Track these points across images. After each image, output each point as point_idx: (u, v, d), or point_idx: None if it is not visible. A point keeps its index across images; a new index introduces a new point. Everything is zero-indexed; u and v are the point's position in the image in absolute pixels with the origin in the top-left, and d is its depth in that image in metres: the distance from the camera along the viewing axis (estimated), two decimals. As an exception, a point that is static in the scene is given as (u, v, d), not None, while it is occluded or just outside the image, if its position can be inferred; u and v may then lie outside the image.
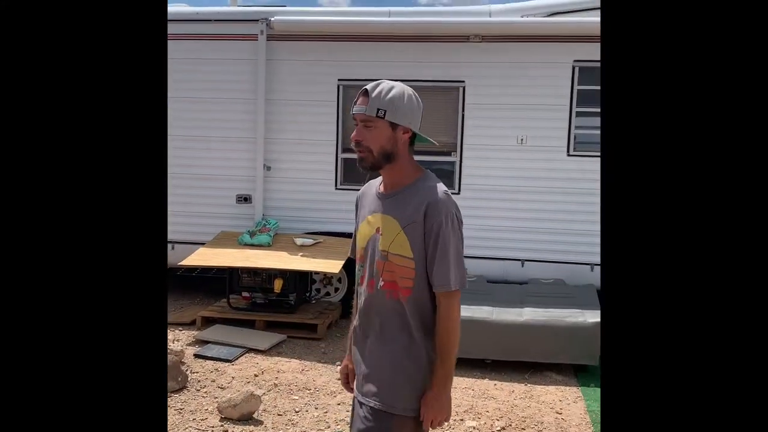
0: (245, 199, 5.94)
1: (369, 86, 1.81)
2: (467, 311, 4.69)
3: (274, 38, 5.72)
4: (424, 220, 1.80)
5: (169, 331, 5.14)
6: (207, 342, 4.83)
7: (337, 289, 5.95)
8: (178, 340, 4.90)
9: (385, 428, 1.83)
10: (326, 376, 4.37)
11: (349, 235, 6.07)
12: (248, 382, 4.16)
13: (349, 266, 5.75)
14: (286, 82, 5.76)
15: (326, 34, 5.70)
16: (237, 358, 4.57)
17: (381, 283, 1.85)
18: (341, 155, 5.75)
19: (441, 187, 1.84)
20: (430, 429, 1.86)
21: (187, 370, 4.23)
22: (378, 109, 1.78)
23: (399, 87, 1.83)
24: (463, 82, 5.59)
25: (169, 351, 4.24)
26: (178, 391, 3.92)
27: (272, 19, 5.64)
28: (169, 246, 5.87)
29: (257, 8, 5.91)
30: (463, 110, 5.62)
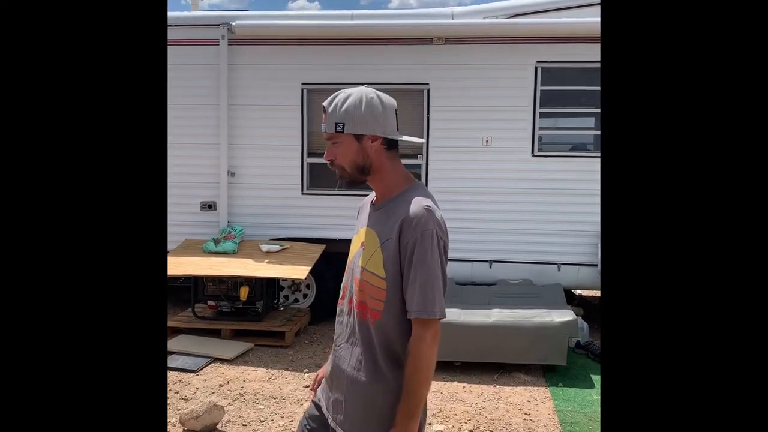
0: (209, 206, 5.84)
1: (325, 102, 1.70)
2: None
3: (235, 42, 5.64)
4: (398, 237, 1.63)
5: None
6: (172, 353, 4.72)
7: (305, 296, 5.88)
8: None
9: None
10: (293, 383, 4.30)
11: (316, 241, 6.00)
12: (213, 393, 4.07)
13: (317, 272, 5.71)
14: (249, 87, 5.69)
15: (289, 38, 5.64)
16: (202, 369, 4.48)
17: (354, 300, 1.73)
18: (307, 160, 5.69)
19: (423, 201, 1.65)
20: None
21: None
22: (336, 124, 1.66)
23: (356, 94, 1.68)
24: (428, 84, 5.58)
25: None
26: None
27: (233, 23, 5.57)
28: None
29: (218, 13, 5.84)
30: (428, 113, 5.61)
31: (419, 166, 5.64)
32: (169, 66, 6.11)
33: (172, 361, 4.55)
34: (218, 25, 5.62)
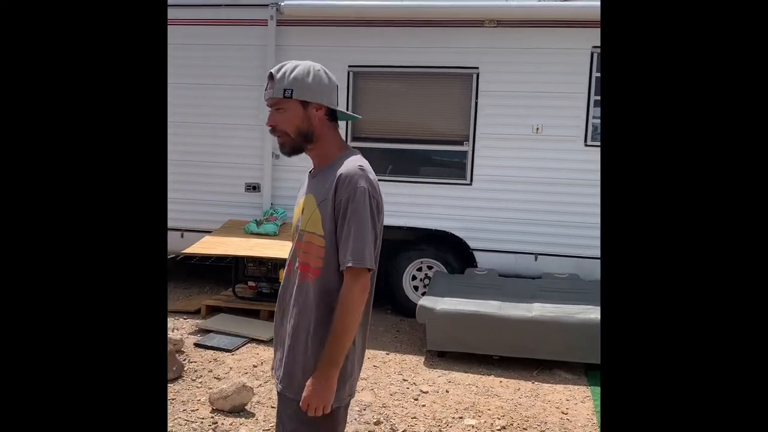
0: (254, 188, 5.86)
1: (273, 69, 1.77)
2: (474, 305, 4.54)
3: (283, 23, 5.60)
4: (333, 196, 1.72)
5: (173, 319, 5.10)
6: (209, 331, 4.76)
7: (345, 280, 5.83)
8: (178, 329, 4.84)
9: (287, 416, 1.82)
10: (327, 368, 4.27)
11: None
12: (245, 373, 4.08)
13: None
14: (295, 69, 5.65)
15: (337, 19, 5.56)
16: (237, 348, 4.50)
17: (297, 264, 1.82)
18: (350, 143, 5.62)
19: (356, 160, 1.76)
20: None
21: (184, 360, 4.17)
22: (285, 90, 1.74)
23: (304, 65, 1.77)
24: (477, 68, 5.41)
25: (168, 340, 4.18)
26: (173, 380, 3.85)
27: (282, 3, 5.53)
28: (178, 234, 5.85)
29: (267, -7, 5.80)
30: (476, 98, 5.44)
31: (465, 153, 5.49)
32: (217, 46, 6.14)
33: (209, 340, 4.59)
34: (267, 5, 5.59)
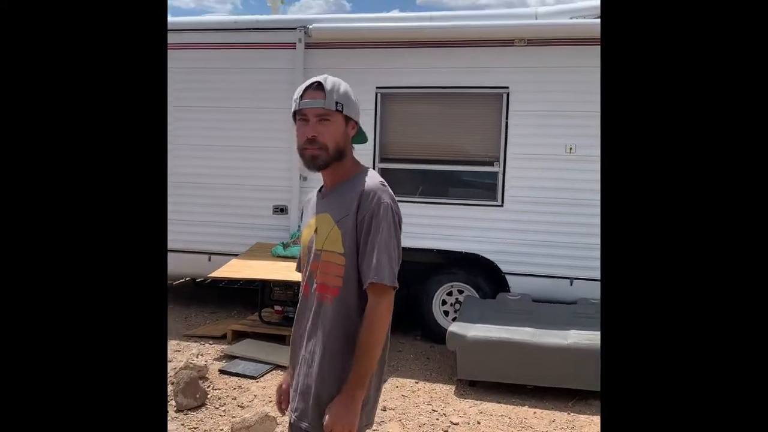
0: (281, 210, 5.81)
1: (319, 78, 1.73)
2: (506, 332, 4.37)
3: (311, 46, 5.59)
4: (356, 212, 1.67)
5: (198, 344, 5.03)
6: (234, 357, 4.68)
7: (374, 305, 5.71)
8: (203, 354, 4.77)
9: None
10: (353, 397, 4.13)
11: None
12: (270, 402, 3.97)
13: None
14: (322, 91, 5.62)
15: (365, 41, 5.53)
16: (262, 375, 4.40)
17: (314, 286, 1.76)
18: (378, 165, 5.53)
19: (377, 177, 1.74)
20: None
21: (208, 387, 4.08)
22: (337, 103, 1.70)
23: (343, 81, 1.76)
24: (507, 88, 5.29)
25: (190, 366, 4.10)
26: (196, 408, 3.77)
27: (310, 26, 5.52)
28: (206, 257, 5.82)
29: (295, 16, 5.81)
30: (506, 118, 5.31)
31: (495, 174, 5.35)
32: (245, 69, 6.17)
33: (234, 366, 4.50)
34: (295, 28, 5.59)
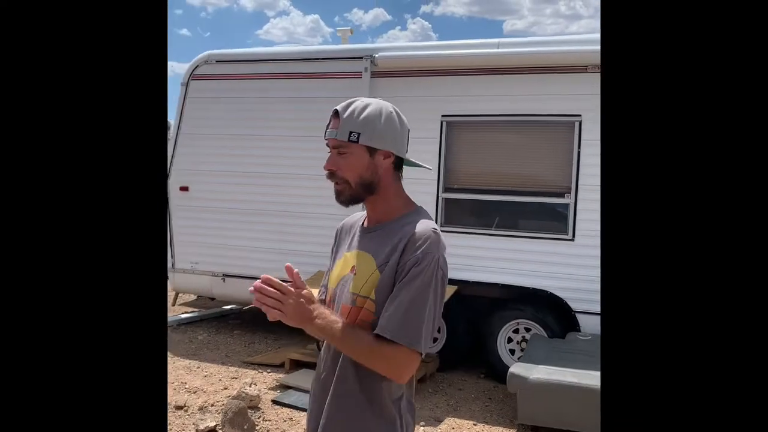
0: (344, 240, 5.75)
1: (340, 106, 1.56)
2: (573, 375, 4.07)
3: (377, 75, 5.56)
4: (400, 256, 1.47)
5: (255, 372, 5.01)
6: (289, 387, 4.61)
7: (435, 339, 5.52)
8: (257, 383, 4.72)
9: None
10: (406, 437, 3.95)
11: (449, 282, 5.67)
12: (319, 437, 3.85)
13: (448, 315, 5.34)
14: (387, 119, 5.57)
15: (431, 69, 5.44)
16: (315, 408, 4.29)
17: None
18: (443, 195, 5.38)
19: (430, 223, 1.51)
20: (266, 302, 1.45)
21: (259, 417, 4.02)
22: (351, 132, 1.52)
23: (376, 104, 1.55)
24: (579, 116, 5.04)
25: (242, 395, 4.06)
26: (243, 439, 3.70)
27: (377, 55, 5.50)
28: (269, 284, 5.83)
29: (362, 45, 5.82)
30: (579, 147, 5.04)
31: (566, 205, 5.07)
32: (313, 99, 6.21)
33: (287, 397, 4.42)
34: (362, 57, 5.59)
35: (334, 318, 1.48)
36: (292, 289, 1.45)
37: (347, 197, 1.57)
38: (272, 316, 1.45)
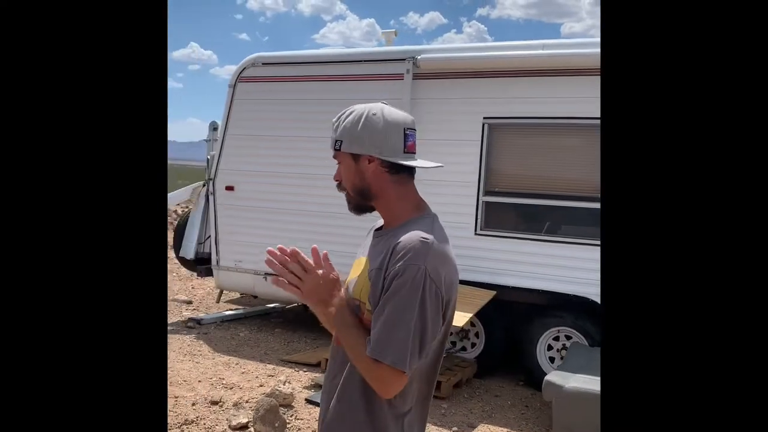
0: (384, 241, 5.75)
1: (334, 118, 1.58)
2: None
3: (419, 77, 5.54)
4: (386, 268, 1.43)
5: (292, 370, 5.07)
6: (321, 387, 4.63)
7: (473, 345, 5.45)
8: (292, 381, 4.77)
9: None
10: (437, 441, 3.92)
11: (486, 286, 5.56)
12: (348, 437, 3.86)
13: (487, 320, 5.27)
14: (428, 122, 5.52)
15: (473, 71, 5.39)
16: (347, 409, 4.31)
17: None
18: (483, 198, 5.32)
19: (421, 233, 1.43)
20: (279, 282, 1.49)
21: (291, 416, 4.06)
22: (336, 141, 1.54)
23: (358, 109, 1.53)
24: (626, 118, 4.88)
25: (276, 393, 4.11)
26: (274, 437, 3.75)
27: (419, 57, 5.49)
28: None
29: (405, 47, 5.81)
30: (624, 151, 4.89)
31: (610, 211, 4.93)
32: (353, 101, 6.24)
33: (320, 396, 4.45)
34: (404, 59, 5.58)
35: (349, 314, 1.48)
36: (319, 272, 1.48)
37: (352, 206, 1.59)
38: (288, 289, 1.47)
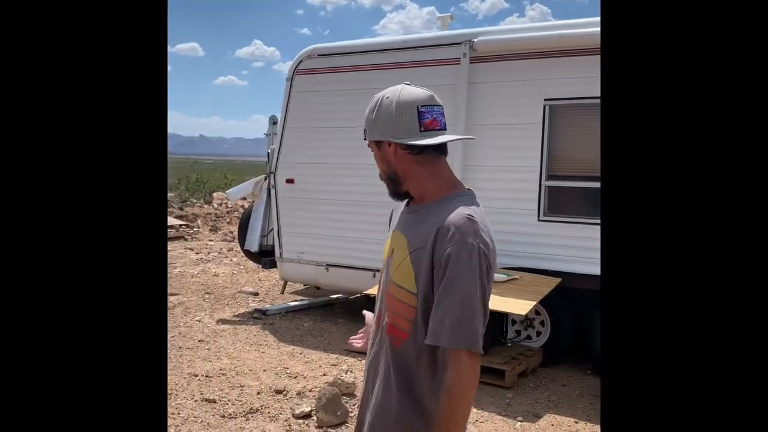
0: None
1: None
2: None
3: (475, 60, 5.42)
4: (432, 249, 1.42)
5: (354, 359, 5.08)
6: (386, 376, 4.63)
7: (539, 333, 5.31)
8: (351, 371, 4.78)
9: None
10: (502, 431, 3.83)
11: (551, 273, 5.40)
12: (411, 427, 3.83)
13: (553, 308, 5.11)
14: (486, 106, 5.40)
15: (532, 51, 5.22)
16: (409, 398, 4.28)
17: (386, 320, 1.55)
18: (545, 183, 5.15)
19: (465, 210, 1.44)
20: None
21: (354, 405, 4.07)
22: (364, 131, 1.58)
23: (376, 96, 1.55)
24: (697, 93, 4.61)
25: (338, 382, 4.13)
26: (337, 426, 3.76)
27: (475, 40, 5.37)
28: (371, 274, 5.88)
29: (460, 31, 5.69)
30: (696, 128, 4.63)
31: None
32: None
33: (383, 386, 4.44)
34: (460, 43, 5.47)
35: None
36: None
37: (390, 192, 1.62)
38: None
